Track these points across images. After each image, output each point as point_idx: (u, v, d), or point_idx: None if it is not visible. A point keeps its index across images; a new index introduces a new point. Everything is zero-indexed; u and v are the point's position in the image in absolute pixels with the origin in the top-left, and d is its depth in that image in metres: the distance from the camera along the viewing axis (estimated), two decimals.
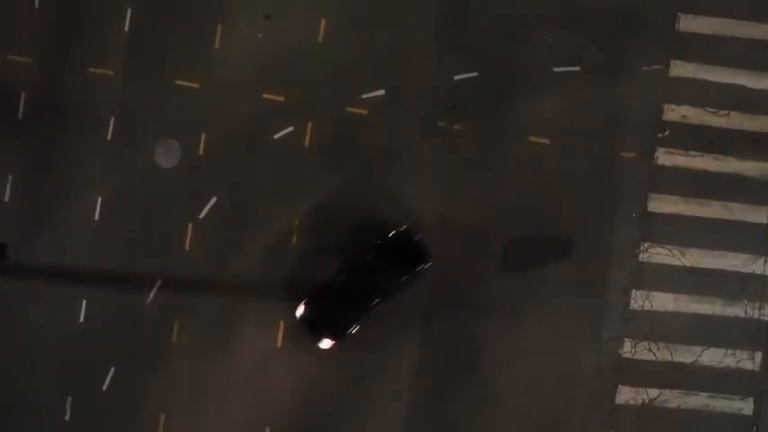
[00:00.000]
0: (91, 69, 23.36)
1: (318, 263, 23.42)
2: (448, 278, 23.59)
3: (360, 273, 22.49)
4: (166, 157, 23.40)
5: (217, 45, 23.53)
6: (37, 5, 23.45)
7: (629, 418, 23.86)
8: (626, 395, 23.93)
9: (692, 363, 24.02)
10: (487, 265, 23.71)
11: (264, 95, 23.59)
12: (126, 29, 23.45)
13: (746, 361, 24.12)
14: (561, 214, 23.92)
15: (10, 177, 23.16)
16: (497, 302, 23.72)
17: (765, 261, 24.19)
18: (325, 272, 23.19)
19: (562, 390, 23.79)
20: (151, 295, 23.26)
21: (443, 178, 23.73)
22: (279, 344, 23.35)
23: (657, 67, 24.20)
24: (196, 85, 23.45)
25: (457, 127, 23.84)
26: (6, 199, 23.18)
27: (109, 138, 23.31)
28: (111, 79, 23.37)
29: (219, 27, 23.56)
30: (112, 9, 23.48)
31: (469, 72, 23.85)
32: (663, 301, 24.06)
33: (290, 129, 23.58)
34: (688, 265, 24.06)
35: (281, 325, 23.32)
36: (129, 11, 23.46)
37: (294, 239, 23.51)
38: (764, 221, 24.22)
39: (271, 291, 23.43)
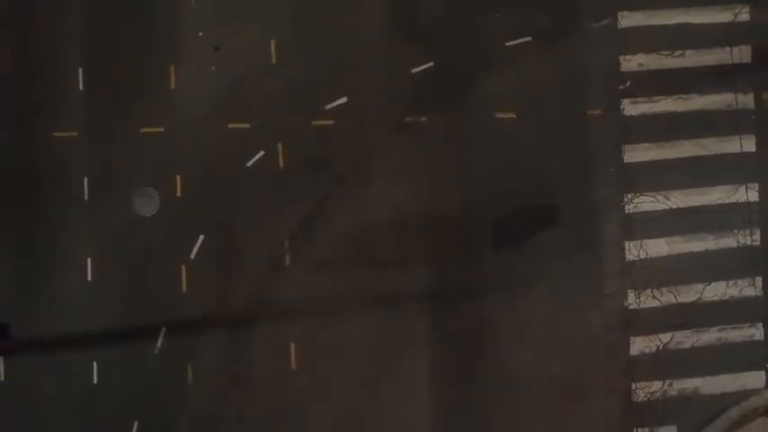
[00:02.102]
0: (55, 134, 23.32)
1: (315, 279, 23.57)
2: (445, 270, 23.79)
3: None
4: (146, 205, 23.43)
5: (173, 86, 23.55)
6: None
7: (647, 366, 24.17)
8: (639, 345, 24.23)
9: (696, 301, 24.35)
10: (480, 247, 23.92)
11: (230, 126, 23.65)
12: (81, 88, 23.43)
13: (748, 288, 24.49)
14: (542, 183, 24.15)
15: None
16: (497, 282, 23.91)
17: (747, 188, 24.55)
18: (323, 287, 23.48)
19: (576, 354, 24.04)
20: (159, 343, 23.28)
21: (421, 172, 23.89)
22: (293, 366, 23.48)
23: (606, 21, 24.47)
24: (161, 130, 23.48)
25: (424, 119, 24.02)
26: None
27: (86, 198, 23.29)
28: (77, 140, 23.34)
29: (172, 68, 23.57)
30: (63, 70, 23.42)
31: (425, 63, 24.03)
32: (657, 247, 24.37)
33: (262, 153, 23.65)
34: (674, 207, 24.37)
35: (293, 347, 23.44)
36: (80, 70, 23.44)
37: (288, 260, 23.61)
38: (738, 150, 24.58)
39: (274, 315, 23.53)
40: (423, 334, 23.70)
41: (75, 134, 23.35)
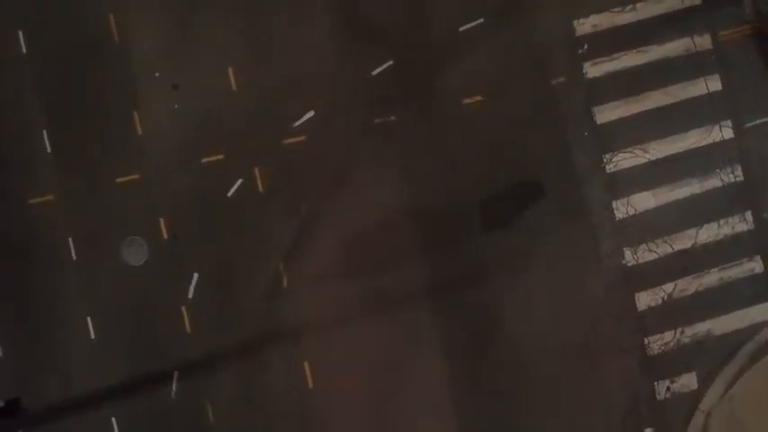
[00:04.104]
0: (31, 201, 23.15)
1: (316, 294, 23.55)
2: (441, 261, 23.85)
3: None
4: (135, 254, 23.31)
5: (140, 132, 23.42)
6: None
7: (656, 318, 24.40)
8: (645, 299, 24.41)
9: (692, 246, 24.56)
10: (472, 233, 24.00)
11: (203, 160, 23.57)
12: (48, 150, 23.25)
13: (740, 224, 24.72)
14: (520, 159, 24.26)
15: None
16: (494, 264, 24.02)
17: (720, 127, 24.77)
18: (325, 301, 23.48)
19: (584, 320, 24.22)
20: (173, 388, 23.21)
21: (400, 170, 23.94)
22: (311, 384, 23.45)
23: None
24: (136, 176, 23.36)
25: (393, 118, 24.04)
26: (0, 354, 22.95)
27: (74, 258, 23.15)
28: (54, 203, 23.17)
29: (135, 114, 23.44)
30: (28, 135, 23.21)
31: (385, 63, 24.05)
32: (644, 201, 24.56)
33: (240, 181, 23.60)
34: (653, 159, 24.56)
35: (306, 366, 23.42)
36: (44, 132, 23.27)
37: (285, 282, 23.58)
38: (705, 92, 24.78)
39: (283, 338, 23.50)
40: (431, 329, 23.76)
41: (51, 197, 23.18)
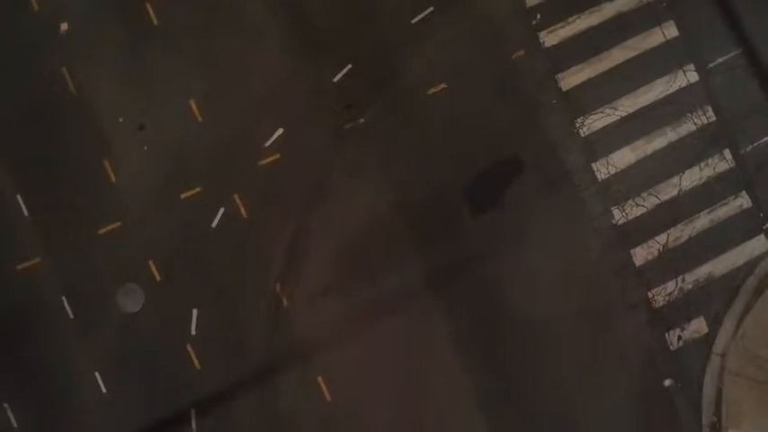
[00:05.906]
0: (18, 267, 22.99)
1: (317, 308, 23.50)
2: (436, 253, 23.84)
3: None
4: (132, 301, 23.19)
5: (114, 179, 23.31)
6: None
7: (656, 270, 24.49)
8: (641, 254, 24.49)
9: (678, 193, 24.67)
10: (461, 220, 24.00)
11: (182, 196, 23.47)
12: (26, 214, 23.09)
13: (721, 163, 24.85)
14: (495, 138, 24.28)
15: (6, 405, 22.74)
16: (488, 246, 24.02)
17: (684, 72, 24.88)
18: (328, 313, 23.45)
19: (586, 284, 24.24)
20: (193, 426, 23.10)
21: (380, 170, 23.92)
22: (328, 398, 23.40)
23: None
24: (118, 224, 23.23)
25: (362, 121, 24.02)
26: (15, 425, 22.76)
27: (71, 316, 22.99)
28: (41, 265, 23.01)
29: (106, 162, 23.33)
30: (3, 202, 23.06)
31: (344, 68, 24.02)
32: (623, 158, 24.64)
33: (222, 210, 23.51)
34: (624, 115, 24.65)
35: (321, 381, 23.36)
36: (18, 197, 23.11)
37: (285, 302, 23.51)
38: (663, 40, 24.90)
39: (292, 357, 23.42)
40: (438, 322, 23.73)
41: (37, 260, 23.02)
